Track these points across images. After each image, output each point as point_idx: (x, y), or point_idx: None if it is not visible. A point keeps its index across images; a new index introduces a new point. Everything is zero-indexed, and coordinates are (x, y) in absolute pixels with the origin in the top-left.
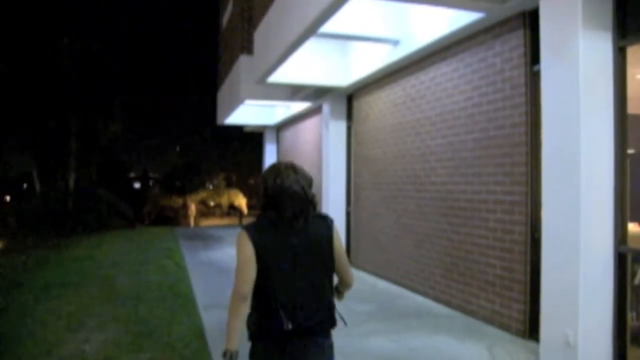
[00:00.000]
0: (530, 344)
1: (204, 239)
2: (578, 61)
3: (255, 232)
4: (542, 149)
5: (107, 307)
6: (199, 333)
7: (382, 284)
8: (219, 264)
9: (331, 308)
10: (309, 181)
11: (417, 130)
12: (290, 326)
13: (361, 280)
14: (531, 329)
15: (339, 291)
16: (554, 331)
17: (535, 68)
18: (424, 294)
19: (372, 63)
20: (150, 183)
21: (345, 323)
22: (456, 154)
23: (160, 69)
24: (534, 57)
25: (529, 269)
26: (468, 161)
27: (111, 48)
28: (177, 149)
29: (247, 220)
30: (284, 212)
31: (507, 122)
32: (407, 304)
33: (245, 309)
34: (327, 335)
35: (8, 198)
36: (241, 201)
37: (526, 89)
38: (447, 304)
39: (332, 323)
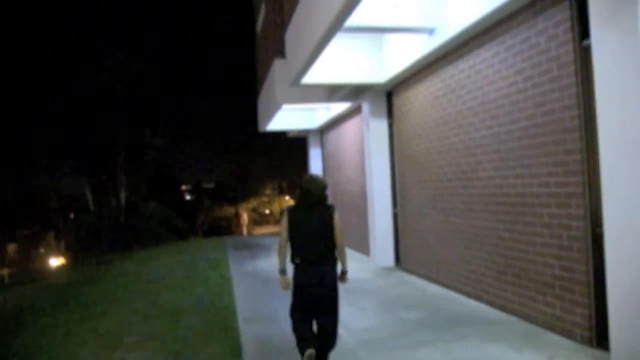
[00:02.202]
0: (599, 353)
1: (252, 248)
2: (636, 30)
3: (291, 211)
4: (599, 132)
5: (147, 324)
6: (236, 351)
7: (432, 288)
8: (265, 274)
9: (327, 251)
10: (325, 185)
11: (459, 123)
12: (298, 260)
13: (410, 285)
14: (599, 337)
15: (340, 255)
16: (628, 339)
17: (585, 43)
18: (477, 298)
19: (408, 56)
20: (207, 195)
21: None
22: (502, 145)
23: (205, 80)
24: (583, 31)
25: (591, 268)
26: (516, 152)
27: (154, 63)
28: (227, 159)
29: None
30: (309, 201)
31: (556, 106)
32: (458, 310)
33: (285, 251)
34: (324, 263)
35: (72, 215)
36: None
37: (575, 68)
38: (503, 308)
39: (328, 258)
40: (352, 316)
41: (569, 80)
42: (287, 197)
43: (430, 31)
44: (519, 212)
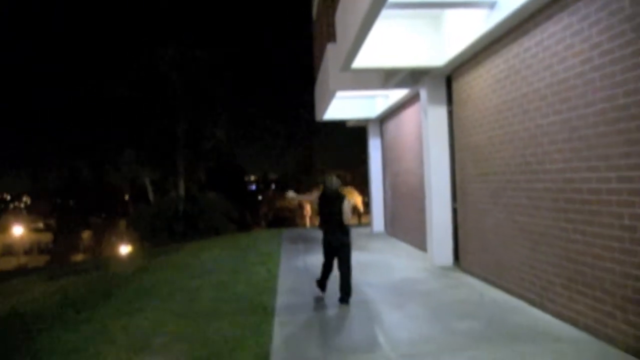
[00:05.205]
0: None
1: (308, 241)
2: None
3: (319, 199)
4: None
5: (179, 324)
6: None
7: (492, 293)
8: (314, 270)
9: (338, 222)
10: (337, 186)
11: (524, 108)
12: (323, 228)
13: (468, 288)
14: None
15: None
16: None
17: None
18: (542, 308)
19: (467, 35)
20: (272, 185)
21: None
22: (574, 133)
23: (268, 69)
24: None
25: None
26: (590, 141)
27: (213, 54)
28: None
29: (365, 219)
30: (328, 193)
31: None
32: (520, 322)
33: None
34: (339, 232)
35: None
36: (357, 199)
37: None
38: (573, 322)
39: (341, 229)
40: (398, 324)
41: None
42: (349, 188)
43: (491, 5)
44: (593, 211)
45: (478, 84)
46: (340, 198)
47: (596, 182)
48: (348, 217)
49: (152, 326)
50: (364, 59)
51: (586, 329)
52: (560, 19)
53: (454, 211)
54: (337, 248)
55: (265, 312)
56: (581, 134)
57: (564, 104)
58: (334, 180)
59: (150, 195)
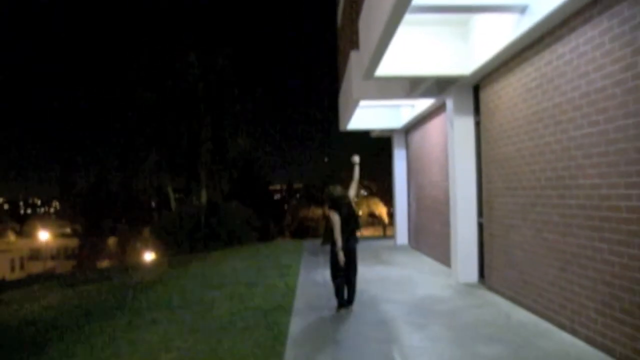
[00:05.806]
0: None
1: (329, 254)
2: None
3: (336, 210)
4: None
5: (190, 340)
6: None
7: (519, 314)
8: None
9: (358, 226)
10: (346, 192)
11: (556, 119)
12: (344, 236)
13: (493, 308)
14: None
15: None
16: None
17: None
18: (573, 333)
19: (496, 42)
20: (297, 195)
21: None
22: (611, 147)
23: (292, 78)
24: None
25: None
26: (630, 155)
27: (238, 61)
28: (325, 159)
29: (390, 231)
30: (340, 203)
31: None
32: (549, 347)
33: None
34: (356, 239)
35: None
36: (381, 210)
37: None
38: (609, 351)
39: (357, 229)
40: (418, 347)
41: None
42: (375, 199)
43: (522, 9)
44: (633, 231)
45: (507, 93)
46: (348, 202)
47: (637, 199)
48: (357, 176)
49: (162, 340)
50: (388, 66)
51: (624, 359)
52: (599, 23)
53: (480, 226)
54: (353, 252)
55: (279, 329)
56: (620, 147)
57: (601, 115)
58: (337, 189)
59: (172, 203)
